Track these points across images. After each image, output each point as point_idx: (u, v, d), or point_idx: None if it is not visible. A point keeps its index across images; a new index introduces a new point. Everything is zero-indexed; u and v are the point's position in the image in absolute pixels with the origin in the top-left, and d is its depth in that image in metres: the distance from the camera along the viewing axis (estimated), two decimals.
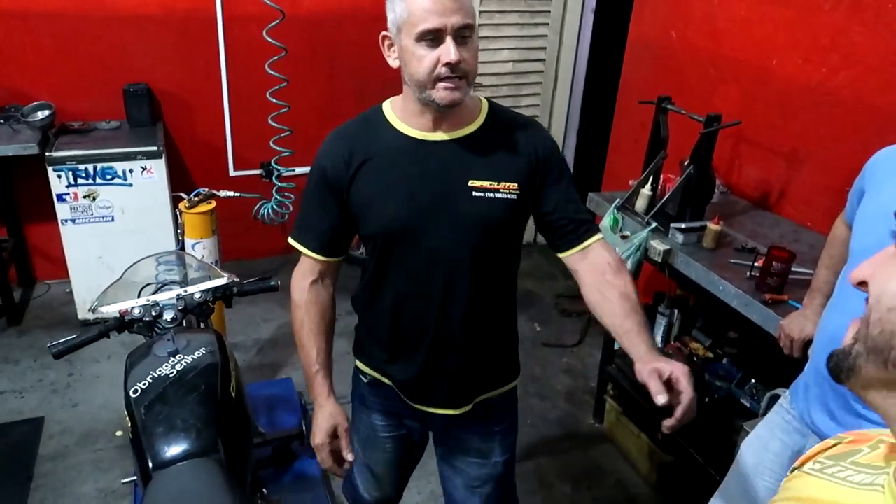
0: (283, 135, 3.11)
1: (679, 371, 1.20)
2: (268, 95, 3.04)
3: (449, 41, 1.20)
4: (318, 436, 1.47)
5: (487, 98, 1.42)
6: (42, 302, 3.58)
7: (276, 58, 2.97)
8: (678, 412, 1.18)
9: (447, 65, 1.21)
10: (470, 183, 1.32)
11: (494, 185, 1.33)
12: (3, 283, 3.29)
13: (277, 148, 3.14)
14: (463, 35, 1.21)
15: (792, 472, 0.72)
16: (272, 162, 3.25)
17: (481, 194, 1.32)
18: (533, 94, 4.08)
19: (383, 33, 1.30)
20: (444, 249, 1.35)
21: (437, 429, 1.61)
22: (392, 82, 4.12)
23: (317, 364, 1.51)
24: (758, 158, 2.62)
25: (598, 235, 1.42)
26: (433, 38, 1.20)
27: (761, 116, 2.56)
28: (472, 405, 1.51)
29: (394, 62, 1.31)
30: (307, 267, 1.48)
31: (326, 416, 1.48)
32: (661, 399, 1.17)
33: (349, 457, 1.45)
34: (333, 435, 1.47)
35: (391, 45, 1.30)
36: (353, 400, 1.68)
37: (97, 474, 2.48)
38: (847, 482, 0.62)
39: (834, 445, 0.71)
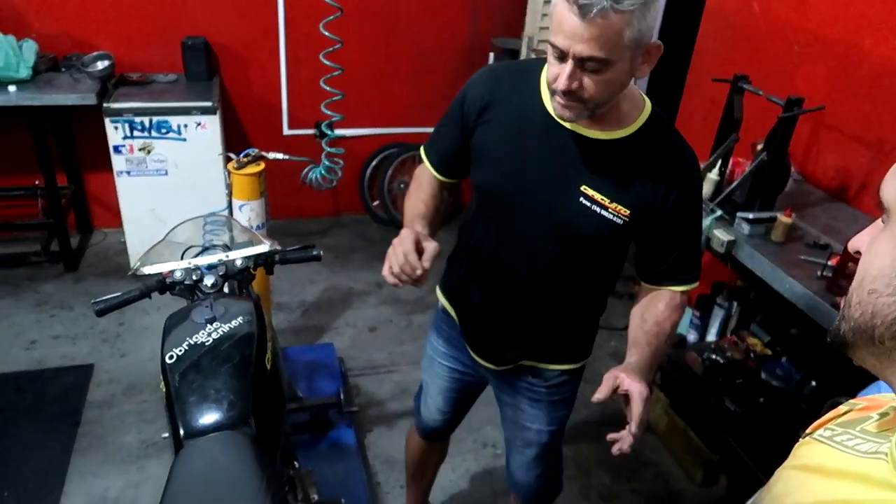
0: (334, 98, 3.04)
1: (635, 390, 1.19)
2: (321, 57, 2.97)
3: (569, 65, 1.11)
4: (398, 240, 1.28)
5: (654, 105, 1.31)
6: (98, 250, 3.66)
7: (330, 17, 2.89)
8: (620, 437, 1.24)
9: (562, 87, 1.14)
10: (583, 188, 1.26)
11: (605, 201, 1.26)
12: (61, 229, 3.36)
13: (328, 112, 3.08)
14: (590, 65, 1.11)
15: (803, 437, 0.71)
16: (323, 125, 3.19)
17: (588, 204, 1.26)
18: None
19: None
20: (527, 237, 1.34)
21: (490, 378, 1.67)
22: (450, 47, 3.99)
23: (416, 216, 1.43)
24: (839, 146, 2.43)
25: (681, 287, 1.37)
26: (559, 56, 1.13)
27: (847, 101, 2.36)
28: (513, 366, 1.54)
29: None
30: (428, 172, 1.50)
31: (411, 231, 1.32)
32: (596, 395, 1.20)
33: (426, 263, 1.23)
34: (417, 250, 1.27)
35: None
36: (431, 324, 1.77)
37: (140, 425, 2.53)
38: (854, 451, 0.62)
39: (846, 412, 0.70)
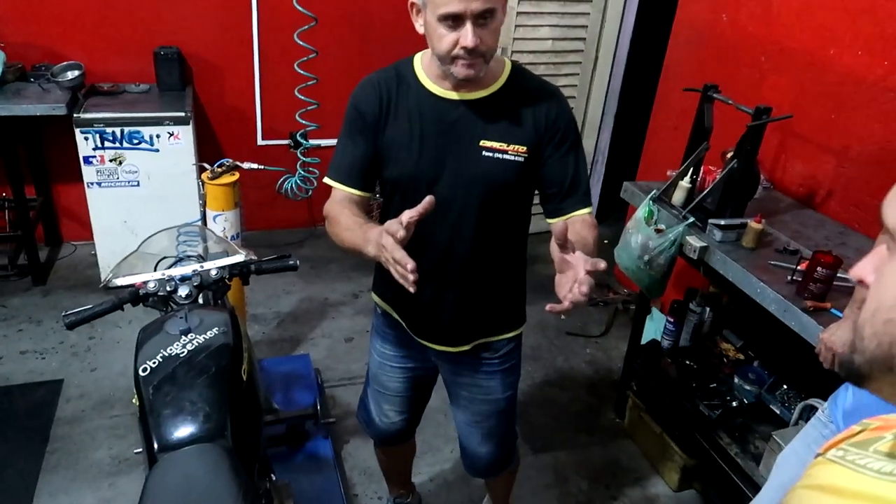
0: (309, 108, 3.04)
1: (577, 261, 1.16)
2: (295, 67, 2.96)
3: (468, 26, 1.26)
4: (381, 236, 1.26)
5: (515, 62, 1.48)
6: (67, 263, 3.59)
7: (305, 27, 2.89)
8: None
9: (464, 48, 1.27)
10: (481, 143, 1.41)
11: (504, 146, 1.41)
12: (30, 242, 3.29)
13: (303, 122, 3.07)
14: (483, 18, 1.26)
15: (816, 458, 0.70)
16: (297, 135, 3.18)
17: (490, 154, 1.41)
18: (571, 73, 3.94)
19: (411, 0, 1.35)
20: (451, 202, 1.43)
21: (442, 365, 1.72)
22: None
23: (364, 225, 1.40)
24: (806, 154, 2.48)
25: (583, 210, 1.46)
26: (453, 20, 1.26)
27: (813, 110, 2.42)
28: (472, 346, 1.62)
29: (419, 28, 1.38)
30: (340, 197, 1.52)
31: (375, 233, 1.31)
32: (555, 305, 1.17)
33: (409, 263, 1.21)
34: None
35: (419, 13, 1.35)
36: (371, 333, 1.81)
37: (112, 440, 2.48)
38: (867, 470, 0.60)
39: (860, 432, 0.68)
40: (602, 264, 1.14)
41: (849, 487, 0.61)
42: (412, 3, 1.35)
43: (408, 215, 1.20)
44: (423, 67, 1.45)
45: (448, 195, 1.42)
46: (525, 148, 1.41)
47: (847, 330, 1.61)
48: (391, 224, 1.21)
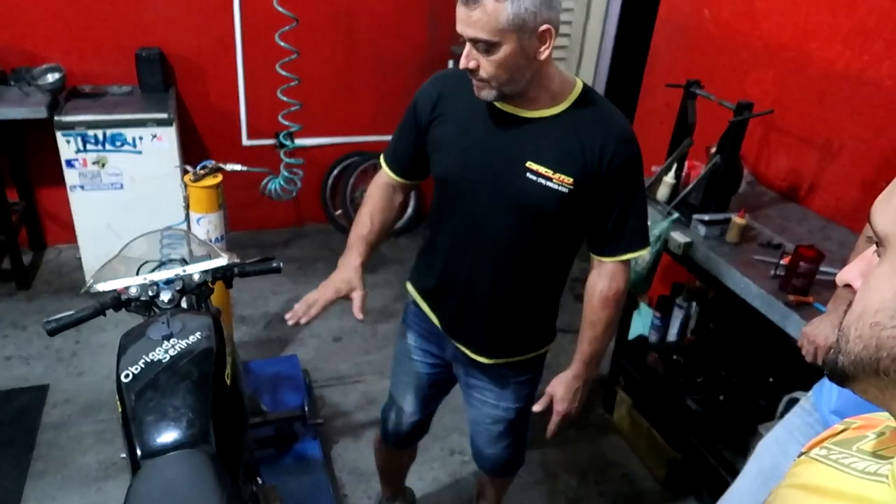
0: (291, 109, 3.02)
1: (553, 392, 1.59)
2: (277, 68, 2.95)
3: (467, 46, 1.28)
4: (319, 288, 1.62)
5: (586, 86, 1.42)
6: (52, 267, 3.56)
7: (286, 28, 2.87)
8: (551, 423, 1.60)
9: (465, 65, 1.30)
10: (528, 164, 1.37)
11: (549, 173, 1.36)
12: (13, 246, 3.26)
13: (286, 122, 3.06)
14: (482, 48, 1.26)
15: (799, 457, 0.71)
16: (280, 136, 3.17)
17: (534, 178, 1.37)
18: None
19: None
20: (485, 217, 1.43)
21: (458, 365, 1.71)
22: (409, 55, 3.98)
23: (360, 238, 1.64)
24: (789, 148, 2.50)
25: (624, 256, 1.47)
26: (463, 39, 1.29)
27: (795, 104, 2.43)
28: (492, 362, 1.62)
29: None
30: (383, 178, 1.65)
31: (342, 275, 1.63)
32: (535, 407, 1.61)
33: (358, 315, 1.60)
34: (342, 297, 1.62)
35: None
36: (400, 324, 1.83)
37: (99, 445, 2.47)
38: (850, 469, 0.61)
39: (842, 431, 0.70)
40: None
41: (833, 487, 0.61)
42: None
43: (320, 306, 1.60)
44: None
45: (482, 211, 1.43)
46: (571, 180, 1.35)
47: (830, 326, 1.62)
48: (341, 287, 1.61)
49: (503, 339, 1.60)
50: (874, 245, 0.59)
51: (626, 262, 1.49)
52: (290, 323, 1.57)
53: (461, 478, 2.46)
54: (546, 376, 1.70)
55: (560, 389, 1.57)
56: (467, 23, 1.24)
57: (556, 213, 1.39)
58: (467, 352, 1.62)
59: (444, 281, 1.59)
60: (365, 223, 1.64)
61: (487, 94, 1.32)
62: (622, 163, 1.36)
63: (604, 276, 1.50)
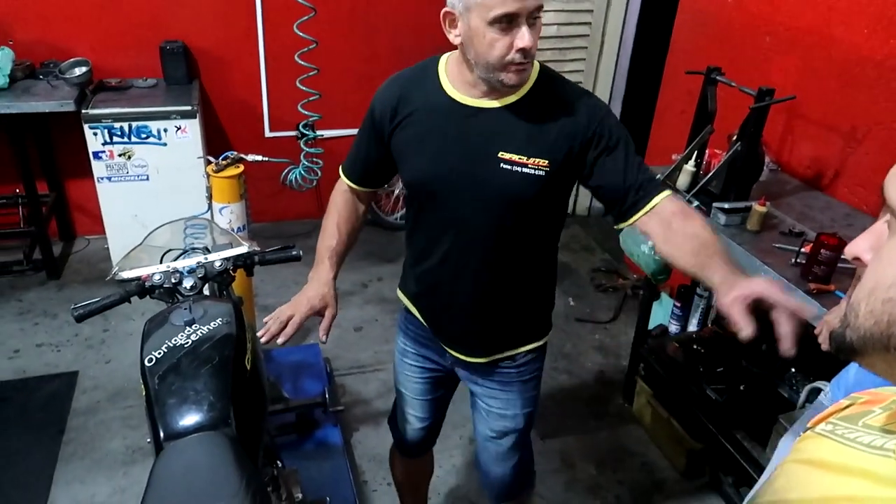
0: (310, 98, 3.05)
1: (761, 287, 1.09)
2: (296, 58, 2.97)
3: (524, 26, 1.19)
4: (292, 303, 1.57)
5: (542, 66, 1.37)
6: (81, 257, 3.65)
7: (305, 18, 2.89)
8: (784, 333, 1.05)
9: (521, 50, 1.19)
10: (500, 154, 1.32)
11: (523, 159, 1.31)
12: (43, 237, 3.35)
13: (305, 112, 3.08)
14: (535, 16, 1.20)
15: (805, 432, 0.70)
16: (300, 126, 3.20)
17: (508, 167, 1.32)
18: (577, 59, 3.92)
19: (445, 9, 1.26)
20: (464, 214, 1.38)
21: (460, 371, 1.65)
22: (428, 43, 3.99)
23: (330, 251, 1.60)
24: (812, 135, 2.46)
25: (662, 194, 1.32)
26: (508, 22, 1.18)
27: (819, 90, 2.39)
28: (489, 360, 1.56)
29: (455, 39, 1.28)
30: (343, 187, 1.62)
31: (316, 290, 1.58)
32: (744, 333, 1.08)
33: (323, 338, 1.54)
34: (315, 313, 1.56)
35: (453, 22, 1.26)
36: (396, 332, 1.77)
37: (126, 431, 2.53)
38: (856, 443, 0.61)
39: (847, 406, 0.69)
40: (807, 312, 1.05)
41: (838, 462, 0.61)
42: (445, 13, 1.26)
43: (295, 324, 1.53)
44: (449, 72, 1.36)
45: (463, 206, 1.38)
46: (546, 161, 1.30)
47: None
48: (315, 302, 1.56)
49: (496, 335, 1.54)
50: (883, 216, 0.58)
51: (668, 198, 1.32)
52: (264, 340, 1.51)
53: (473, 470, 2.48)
54: (550, 372, 1.63)
55: (759, 283, 1.11)
56: None
57: (533, 199, 1.34)
58: (462, 356, 1.56)
59: (427, 284, 1.54)
60: (333, 233, 1.60)
61: (528, 74, 1.27)
62: (602, 125, 1.31)
63: (660, 223, 1.30)
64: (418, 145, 1.39)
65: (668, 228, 1.29)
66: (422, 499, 2.12)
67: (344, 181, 1.61)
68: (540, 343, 1.60)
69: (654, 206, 1.31)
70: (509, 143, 1.31)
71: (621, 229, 1.42)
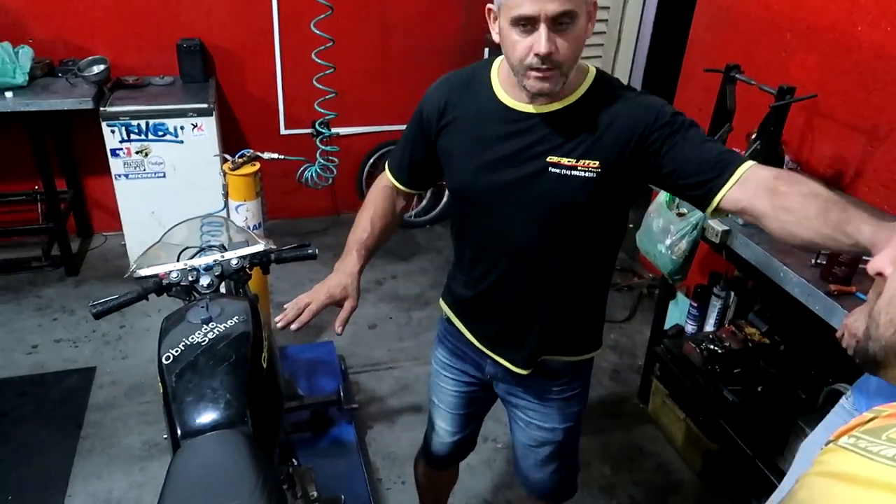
0: (328, 97, 3.05)
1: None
2: (313, 56, 2.98)
3: (542, 30, 1.14)
4: (312, 291, 1.50)
5: (599, 70, 1.32)
6: (98, 253, 3.68)
7: (321, 16, 2.90)
8: None
9: (537, 55, 1.16)
10: (549, 159, 1.27)
11: (573, 162, 1.26)
12: (62, 233, 3.38)
13: (321, 110, 3.09)
14: (562, 23, 1.14)
15: (827, 444, 0.69)
16: (316, 124, 3.20)
17: (557, 171, 1.26)
18: (594, 56, 3.89)
19: (489, 6, 1.26)
20: (510, 223, 1.34)
21: (497, 383, 1.60)
22: (444, 42, 3.97)
23: (359, 243, 1.55)
24: (833, 134, 2.42)
25: (748, 164, 1.17)
26: (526, 24, 1.15)
27: (841, 88, 2.36)
28: (531, 369, 1.49)
29: (496, 37, 1.27)
30: (385, 182, 1.59)
31: (339, 280, 1.52)
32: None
33: (338, 329, 1.49)
34: (334, 303, 1.50)
35: (495, 20, 1.25)
36: (436, 340, 1.72)
37: (143, 426, 2.55)
38: (880, 457, 0.59)
39: (871, 419, 0.67)
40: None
41: (861, 475, 0.60)
42: (489, 10, 1.26)
43: (312, 311, 1.46)
44: (500, 75, 1.33)
45: (511, 215, 1.33)
46: (598, 163, 1.24)
47: (865, 317, 1.57)
48: (336, 291, 1.49)
49: (541, 345, 1.47)
50: None
51: (753, 167, 1.16)
52: (280, 326, 1.46)
53: (495, 464, 2.48)
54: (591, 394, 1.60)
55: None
56: None
57: (584, 202, 1.28)
58: (507, 364, 1.50)
59: (474, 293, 1.49)
60: (365, 227, 1.56)
61: (555, 83, 1.20)
62: (663, 116, 1.23)
63: (763, 193, 1.12)
64: (465, 151, 1.36)
65: (775, 196, 1.10)
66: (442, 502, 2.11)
67: (389, 178, 1.58)
68: (584, 357, 1.54)
69: (741, 176, 1.15)
70: (558, 148, 1.26)
71: (715, 217, 1.29)
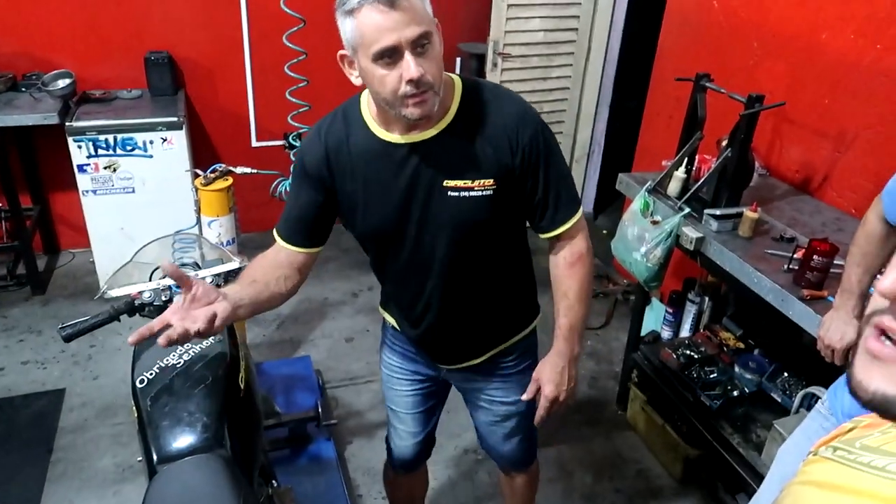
0: (301, 110, 3.03)
1: (539, 376, 1.51)
2: (285, 69, 2.95)
3: (407, 56, 1.15)
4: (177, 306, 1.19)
5: (465, 79, 1.35)
6: (66, 271, 3.60)
7: (293, 29, 2.87)
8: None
9: (410, 82, 1.16)
10: (445, 183, 1.31)
11: (468, 183, 1.31)
12: (27, 251, 3.30)
13: (295, 124, 3.06)
14: (421, 45, 1.16)
15: (809, 455, 0.71)
16: (289, 138, 3.17)
17: (456, 194, 1.31)
18: (564, 64, 3.93)
19: (340, 52, 1.26)
20: (424, 251, 1.38)
21: (454, 379, 1.68)
22: None
23: (248, 281, 1.36)
24: (801, 140, 2.47)
25: (564, 226, 1.41)
26: (390, 55, 1.15)
27: (807, 95, 2.40)
28: (484, 358, 1.59)
29: (356, 80, 1.27)
30: (283, 253, 1.44)
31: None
32: (523, 396, 1.54)
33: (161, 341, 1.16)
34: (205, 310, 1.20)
35: (351, 64, 1.25)
36: (381, 348, 1.75)
37: (116, 448, 2.49)
38: (857, 464, 0.62)
39: (851, 430, 0.70)
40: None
41: (841, 483, 0.62)
42: (342, 56, 1.26)
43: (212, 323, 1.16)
44: (371, 112, 1.33)
45: (422, 243, 1.37)
46: (492, 181, 1.31)
47: (842, 323, 1.60)
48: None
49: (484, 341, 1.57)
50: None
51: (574, 226, 1.42)
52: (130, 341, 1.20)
53: (476, 476, 2.46)
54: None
55: (546, 371, 1.49)
56: (404, 24, 1.12)
57: (490, 217, 1.35)
58: (455, 366, 1.60)
59: (407, 318, 1.54)
60: (256, 273, 1.39)
61: (431, 105, 1.21)
62: (528, 140, 1.31)
63: (561, 248, 1.45)
64: (362, 197, 1.35)
65: (555, 270, 1.48)
66: None
67: (281, 247, 1.43)
68: (529, 329, 1.63)
69: (554, 235, 1.42)
70: (451, 171, 1.30)
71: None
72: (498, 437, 1.75)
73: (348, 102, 1.39)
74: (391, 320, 1.64)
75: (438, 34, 1.21)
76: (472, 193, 1.31)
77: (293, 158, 3.25)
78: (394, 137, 1.30)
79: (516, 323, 1.61)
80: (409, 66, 1.15)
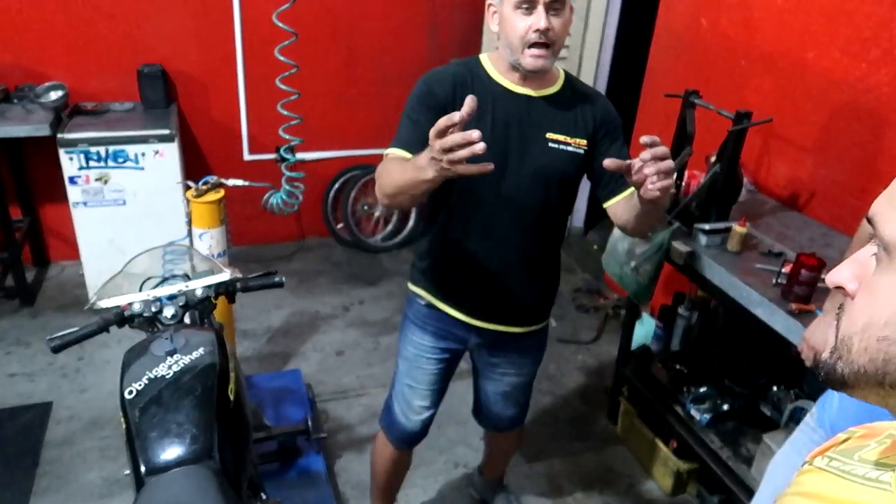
0: (292, 123, 3.04)
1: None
2: (277, 82, 2.96)
3: (540, 9, 1.42)
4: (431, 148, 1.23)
5: (565, 70, 1.64)
6: (55, 283, 3.57)
7: (285, 42, 2.89)
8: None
9: (537, 31, 1.42)
10: (547, 135, 1.55)
11: (567, 139, 1.56)
12: (16, 263, 3.27)
13: (286, 136, 3.07)
14: (555, 7, 1.43)
15: (803, 466, 0.72)
16: (281, 150, 3.18)
17: (556, 146, 1.55)
18: None
19: (488, 1, 1.52)
20: (516, 190, 1.56)
21: (482, 347, 1.82)
22: (410, 67, 4.01)
23: (412, 158, 1.38)
24: (789, 156, 2.50)
25: (627, 191, 1.56)
26: (528, 6, 1.43)
27: (794, 112, 2.44)
28: (526, 329, 1.78)
29: (494, 27, 1.53)
30: (393, 156, 1.50)
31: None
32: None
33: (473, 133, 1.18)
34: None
35: (494, 13, 1.51)
36: (403, 327, 1.86)
37: (103, 462, 2.46)
38: (851, 476, 0.62)
39: (845, 440, 0.70)
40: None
41: (835, 494, 0.62)
42: (488, 5, 1.52)
43: (458, 115, 1.16)
44: (493, 64, 1.57)
45: (512, 184, 1.55)
46: (585, 141, 1.56)
47: (827, 329, 1.61)
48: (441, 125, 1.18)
49: (545, 302, 1.79)
50: (868, 246, 0.57)
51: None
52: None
53: (466, 491, 2.45)
54: (534, 394, 1.96)
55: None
56: None
57: (575, 175, 1.60)
58: (505, 328, 1.74)
59: (472, 268, 1.66)
60: (403, 163, 1.43)
61: (546, 62, 1.46)
62: (615, 118, 1.61)
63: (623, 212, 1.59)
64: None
65: (628, 213, 1.56)
66: (397, 489, 2.18)
67: (397, 154, 1.49)
68: (546, 322, 1.87)
69: (629, 194, 1.54)
70: (555, 126, 1.55)
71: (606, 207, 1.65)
72: (501, 405, 1.96)
73: (464, 61, 1.62)
74: (429, 297, 1.74)
75: (570, 11, 1.48)
76: (569, 148, 1.56)
77: (284, 171, 3.27)
78: (513, 87, 1.55)
79: (550, 303, 1.83)
80: (541, 17, 1.42)
